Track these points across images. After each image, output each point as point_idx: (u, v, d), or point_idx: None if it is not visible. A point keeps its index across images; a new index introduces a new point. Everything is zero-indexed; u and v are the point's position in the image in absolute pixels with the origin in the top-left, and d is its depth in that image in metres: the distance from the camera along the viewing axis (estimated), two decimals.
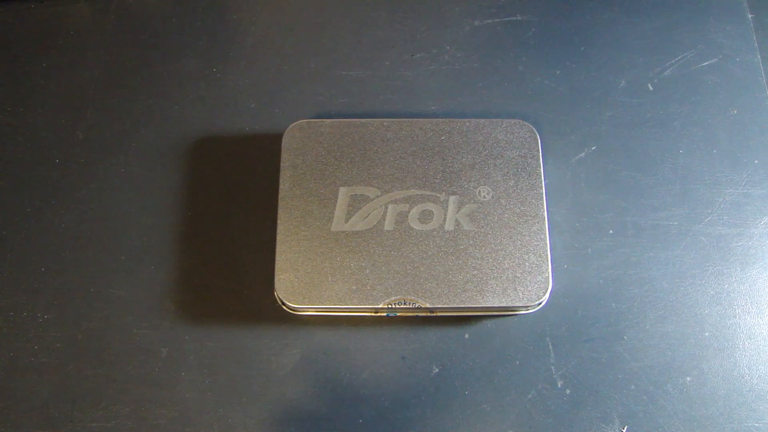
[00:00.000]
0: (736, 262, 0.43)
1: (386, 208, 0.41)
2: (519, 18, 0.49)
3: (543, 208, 0.41)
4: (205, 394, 0.40)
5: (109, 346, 0.41)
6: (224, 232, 0.43)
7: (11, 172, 0.45)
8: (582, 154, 0.45)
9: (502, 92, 0.47)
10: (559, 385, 0.41)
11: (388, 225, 0.40)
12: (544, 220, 0.40)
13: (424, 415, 0.40)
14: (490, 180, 0.41)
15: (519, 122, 0.43)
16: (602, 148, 0.46)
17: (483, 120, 0.43)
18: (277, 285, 0.39)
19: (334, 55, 0.48)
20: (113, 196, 0.44)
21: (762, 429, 0.40)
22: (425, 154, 0.42)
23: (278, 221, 0.40)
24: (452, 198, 0.41)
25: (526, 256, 0.40)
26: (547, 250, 0.40)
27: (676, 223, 0.44)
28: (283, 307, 0.40)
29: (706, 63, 0.48)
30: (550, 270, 0.39)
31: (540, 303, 0.39)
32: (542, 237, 0.40)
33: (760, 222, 0.44)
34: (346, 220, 0.40)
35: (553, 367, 0.41)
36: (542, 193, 0.41)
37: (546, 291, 0.39)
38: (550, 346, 0.41)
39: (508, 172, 0.41)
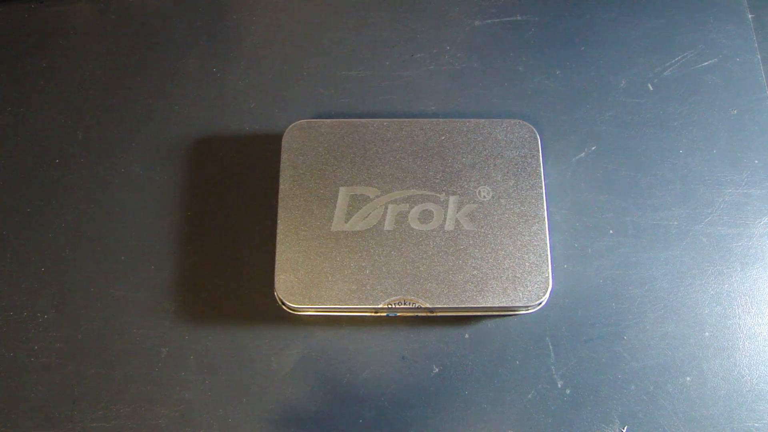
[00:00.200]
0: (736, 262, 0.43)
1: (386, 208, 0.41)
2: (519, 18, 0.49)
3: (543, 208, 0.41)
4: (205, 394, 0.40)
5: (109, 346, 0.41)
6: (224, 232, 0.43)
7: (11, 172, 0.45)
8: (582, 154, 0.45)
9: (502, 92, 0.47)
10: (559, 385, 0.41)
11: (388, 225, 0.40)
12: (544, 220, 0.40)
13: (424, 415, 0.40)
14: (490, 180, 0.41)
15: (519, 122, 0.43)
16: (602, 148, 0.46)
17: (483, 120, 0.43)
18: (277, 285, 0.39)
19: (334, 55, 0.48)
20: (113, 196, 0.44)
21: (762, 429, 0.40)
22: (425, 154, 0.42)
23: (278, 221, 0.40)
24: (452, 198, 0.41)
25: (526, 256, 0.40)
26: (547, 250, 0.40)
27: (676, 223, 0.44)
28: (283, 307, 0.40)
29: (706, 63, 0.48)
30: (550, 270, 0.39)
31: (540, 303, 0.39)
32: (542, 237, 0.40)
33: (760, 222, 0.44)
34: (346, 220, 0.40)
35: (553, 367, 0.41)
36: (542, 193, 0.41)
37: (546, 291, 0.39)
38: (550, 346, 0.41)
39: (508, 172, 0.41)
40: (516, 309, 0.40)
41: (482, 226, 0.40)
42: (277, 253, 0.40)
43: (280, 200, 0.41)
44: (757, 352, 0.41)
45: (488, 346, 0.41)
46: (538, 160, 0.42)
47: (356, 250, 0.40)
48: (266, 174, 0.44)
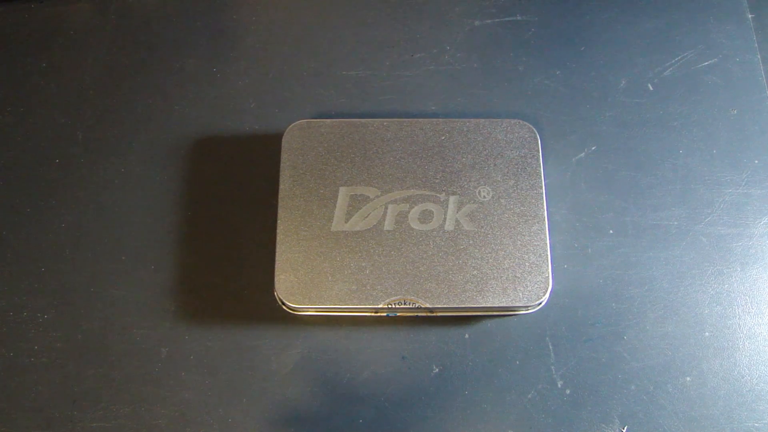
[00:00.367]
0: (736, 262, 0.43)
1: (386, 208, 0.41)
2: (519, 18, 0.49)
3: (543, 208, 0.41)
4: (205, 394, 0.40)
5: (109, 346, 0.41)
6: (224, 232, 0.43)
7: (11, 172, 0.45)
8: (582, 154, 0.45)
9: (502, 92, 0.47)
10: (559, 385, 0.41)
11: (388, 225, 0.40)
12: (544, 220, 0.40)
13: (424, 415, 0.40)
14: (490, 180, 0.41)
15: (519, 122, 0.43)
16: (602, 148, 0.46)
17: (483, 120, 0.43)
18: (277, 285, 0.39)
19: (334, 55, 0.48)
20: (113, 196, 0.44)
21: (762, 429, 0.40)
22: (425, 154, 0.42)
23: (278, 221, 0.40)
24: (452, 198, 0.41)
25: (526, 256, 0.40)
26: (547, 250, 0.40)
27: (676, 223, 0.44)
28: (283, 307, 0.40)
29: (706, 63, 0.48)
30: (550, 270, 0.39)
31: (540, 303, 0.39)
32: (542, 237, 0.40)
33: (760, 222, 0.44)
34: (346, 220, 0.40)
35: (553, 367, 0.41)
36: (542, 193, 0.41)
37: (546, 291, 0.39)
38: (550, 346, 0.41)
39: (508, 172, 0.41)
40: (516, 309, 0.40)
41: (482, 226, 0.40)
42: (277, 253, 0.40)
43: (280, 200, 0.41)
44: (757, 352, 0.41)
45: (488, 346, 0.41)
46: (538, 160, 0.42)
47: (356, 250, 0.40)
48: (266, 174, 0.44)
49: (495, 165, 0.42)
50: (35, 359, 0.41)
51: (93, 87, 0.47)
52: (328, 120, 0.43)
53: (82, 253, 0.43)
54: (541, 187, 0.41)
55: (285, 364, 0.41)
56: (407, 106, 0.47)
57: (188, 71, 0.47)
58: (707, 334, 0.42)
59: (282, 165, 0.41)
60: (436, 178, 0.41)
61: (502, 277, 0.39)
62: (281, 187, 0.41)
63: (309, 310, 0.40)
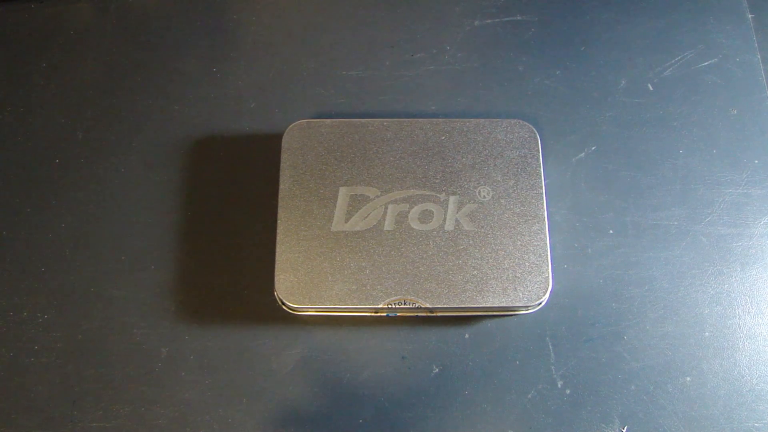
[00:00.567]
0: (736, 262, 0.43)
1: (386, 208, 0.41)
2: (519, 18, 0.49)
3: (543, 208, 0.41)
4: (205, 394, 0.40)
5: (109, 346, 0.41)
6: (224, 232, 0.43)
7: (11, 172, 0.45)
8: (582, 154, 0.45)
9: (502, 92, 0.47)
10: (559, 385, 0.41)
11: (388, 225, 0.40)
12: (544, 220, 0.40)
13: (424, 415, 0.40)
14: (490, 180, 0.41)
15: (519, 122, 0.43)
16: (602, 148, 0.46)
17: (483, 120, 0.43)
18: (277, 285, 0.39)
19: (334, 55, 0.48)
20: (113, 196, 0.44)
21: (762, 429, 0.40)
22: (425, 154, 0.42)
23: (278, 221, 0.40)
24: (452, 198, 0.41)
25: (526, 256, 0.40)
26: (547, 250, 0.40)
27: (676, 223, 0.44)
28: (283, 307, 0.40)
29: (706, 63, 0.48)
30: (550, 270, 0.39)
31: (540, 303, 0.39)
32: (542, 237, 0.40)
33: (760, 222, 0.44)
34: (346, 220, 0.40)
35: (553, 367, 0.41)
36: (542, 193, 0.41)
37: (546, 291, 0.39)
38: (550, 346, 0.41)
39: (508, 172, 0.41)
40: (516, 309, 0.40)
41: (482, 226, 0.40)
42: (277, 253, 0.40)
43: (280, 200, 0.41)
44: (757, 352, 0.41)
45: (488, 346, 0.41)
46: (538, 160, 0.42)
47: (356, 250, 0.40)
48: (266, 174, 0.44)
49: (495, 165, 0.42)
50: (35, 359, 0.41)
51: (93, 87, 0.47)
52: (328, 120, 0.43)
53: (82, 253, 0.43)
54: (541, 187, 0.41)
55: (285, 364, 0.41)
56: (407, 106, 0.47)
57: (188, 71, 0.47)
58: (707, 334, 0.42)
59: (282, 165, 0.41)
60: (436, 178, 0.41)
61: (502, 277, 0.39)
62: (281, 187, 0.41)
63: (309, 310, 0.40)
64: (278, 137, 0.42)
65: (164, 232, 0.43)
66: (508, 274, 0.39)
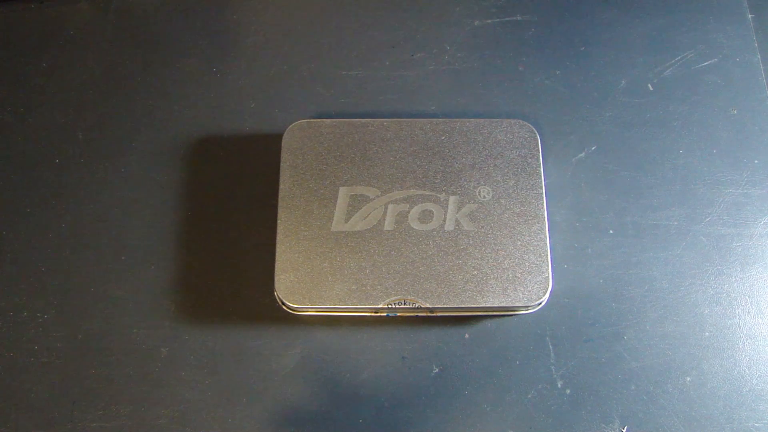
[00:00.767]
0: (736, 262, 0.43)
1: (386, 208, 0.41)
2: (519, 18, 0.49)
3: (543, 208, 0.41)
4: (205, 394, 0.40)
5: (109, 346, 0.41)
6: (224, 232, 0.43)
7: (11, 172, 0.45)
8: (582, 154, 0.45)
9: (502, 92, 0.47)
10: (559, 385, 0.41)
11: (388, 225, 0.40)
12: (544, 220, 0.40)
13: (424, 415, 0.40)
14: (490, 180, 0.41)
15: (519, 122, 0.43)
16: (602, 148, 0.46)
17: (483, 120, 0.43)
18: (277, 285, 0.39)
19: (334, 55, 0.48)
20: (113, 196, 0.44)
21: (762, 429, 0.40)
22: (425, 154, 0.42)
23: (278, 221, 0.40)
24: (452, 198, 0.41)
25: (526, 256, 0.40)
26: (547, 250, 0.40)
27: (676, 223, 0.44)
28: (283, 307, 0.40)
29: (706, 63, 0.48)
30: (550, 270, 0.39)
31: (540, 303, 0.39)
32: (542, 237, 0.40)
33: (760, 222, 0.44)
34: (346, 220, 0.40)
35: (553, 367, 0.41)
36: (542, 193, 0.41)
37: (546, 291, 0.39)
38: (550, 346, 0.41)
39: (508, 172, 0.41)
40: (516, 309, 0.40)
41: (482, 226, 0.40)
42: (277, 253, 0.40)
43: (280, 200, 0.41)
44: (757, 352, 0.41)
45: (488, 346, 0.41)
46: (538, 160, 0.42)
47: (356, 250, 0.40)
48: (266, 174, 0.44)
49: (495, 165, 0.42)
50: (35, 359, 0.41)
51: (93, 87, 0.47)
52: (328, 120, 0.43)
53: (82, 253, 0.43)
54: (541, 187, 0.41)
55: (285, 364, 0.41)
56: (407, 106, 0.47)
57: (188, 71, 0.47)
58: (707, 334, 0.42)
59: (282, 165, 0.41)
60: (436, 178, 0.41)
61: (502, 277, 0.39)
62: (281, 187, 0.41)
63: (309, 310, 0.40)
64: (278, 137, 0.42)
65: (164, 232, 0.43)
66: (508, 274, 0.39)
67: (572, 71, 0.48)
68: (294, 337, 0.41)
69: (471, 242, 0.40)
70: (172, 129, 0.46)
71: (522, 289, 0.39)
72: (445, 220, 0.40)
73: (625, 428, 0.40)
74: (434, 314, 0.40)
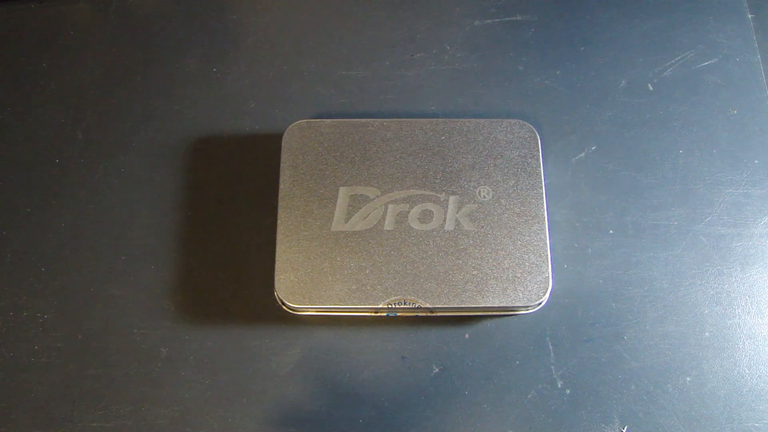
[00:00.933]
0: (736, 262, 0.43)
1: (386, 208, 0.41)
2: (519, 18, 0.49)
3: (543, 208, 0.41)
4: (205, 394, 0.40)
5: (109, 346, 0.41)
6: (224, 232, 0.43)
7: (11, 172, 0.45)
8: (582, 154, 0.45)
9: (502, 92, 0.47)
10: (559, 385, 0.41)
11: (388, 225, 0.40)
12: (544, 220, 0.40)
13: (424, 415, 0.40)
14: (490, 180, 0.41)
15: (519, 122, 0.43)
16: (602, 148, 0.46)
17: (483, 120, 0.43)
18: (277, 285, 0.39)
19: (334, 55, 0.48)
20: (113, 196, 0.44)
21: (762, 429, 0.40)
22: (425, 154, 0.42)
23: (278, 221, 0.40)
24: (452, 198, 0.41)
25: (526, 256, 0.40)
26: (547, 250, 0.40)
27: (676, 223, 0.44)
28: (283, 307, 0.40)
29: (706, 63, 0.48)
30: (550, 270, 0.39)
31: (540, 303, 0.39)
32: (542, 237, 0.40)
33: (760, 222, 0.44)
34: (346, 220, 0.40)
35: (553, 367, 0.41)
36: (542, 193, 0.41)
37: (546, 291, 0.39)
38: (550, 346, 0.41)
39: (508, 172, 0.41)
40: (516, 309, 0.40)
41: (482, 226, 0.40)
42: (277, 253, 0.40)
43: (280, 200, 0.41)
44: (757, 352, 0.41)
45: (488, 346, 0.41)
46: (538, 160, 0.42)
47: (356, 250, 0.40)
48: (266, 174, 0.44)
49: (495, 165, 0.42)
50: (35, 359, 0.41)
51: (93, 87, 0.47)
52: (328, 120, 0.43)
53: (82, 253, 0.43)
54: (541, 187, 0.41)
55: (285, 364, 0.41)
56: (407, 106, 0.47)
57: (188, 71, 0.47)
58: (707, 334, 0.42)
59: (282, 165, 0.41)
60: (436, 178, 0.41)
61: (502, 277, 0.39)
62: (281, 187, 0.41)
63: (309, 310, 0.40)
64: (278, 137, 0.42)
65: (164, 232, 0.43)
66: (508, 274, 0.39)
67: (572, 71, 0.48)
68: (294, 337, 0.41)
69: (471, 242, 0.40)
70: (172, 129, 0.46)
71: (522, 289, 0.39)
72: (445, 220, 0.40)
73: (625, 428, 0.40)
74: (434, 314, 0.40)
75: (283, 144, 0.42)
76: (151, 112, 0.46)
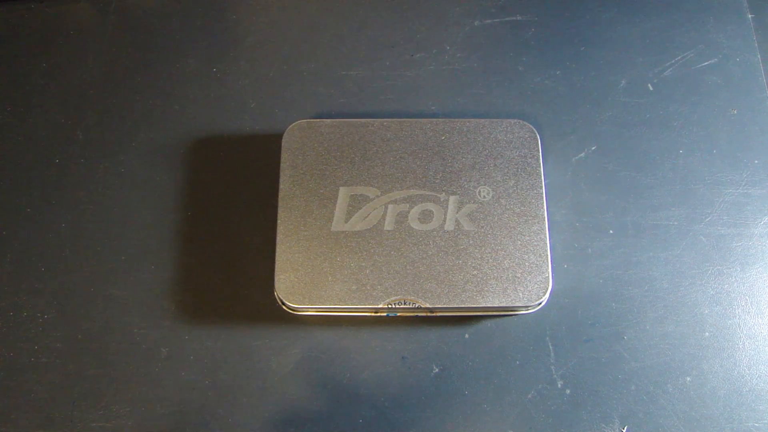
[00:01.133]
0: (736, 262, 0.43)
1: (386, 208, 0.41)
2: (519, 18, 0.49)
3: (543, 208, 0.41)
4: (205, 394, 0.40)
5: (109, 346, 0.41)
6: (224, 232, 0.43)
7: (11, 172, 0.45)
8: (582, 154, 0.45)
9: (502, 92, 0.47)
10: (559, 385, 0.41)
11: (388, 225, 0.40)
12: (544, 220, 0.40)
13: (424, 415, 0.40)
14: (490, 180, 0.41)
15: (519, 122, 0.43)
16: (602, 148, 0.46)
17: (483, 120, 0.43)
18: (277, 285, 0.39)
19: (334, 55, 0.48)
20: (113, 196, 0.44)
21: (762, 429, 0.40)
22: (425, 154, 0.42)
23: (278, 221, 0.40)
24: (452, 198, 0.41)
25: (526, 256, 0.40)
26: (547, 250, 0.40)
27: (676, 223, 0.44)
28: (283, 307, 0.40)
29: (706, 63, 0.48)
30: (550, 270, 0.39)
31: (540, 303, 0.39)
32: (542, 237, 0.40)
33: (760, 222, 0.44)
34: (346, 220, 0.40)
35: (553, 367, 0.41)
36: (542, 193, 0.41)
37: (546, 291, 0.39)
38: (550, 346, 0.41)
39: (508, 172, 0.41)
40: (516, 309, 0.40)
41: (482, 226, 0.40)
42: (277, 253, 0.40)
43: (280, 200, 0.41)
44: (757, 352, 0.41)
45: (488, 346, 0.41)
46: (538, 160, 0.42)
47: (356, 250, 0.40)
48: (266, 174, 0.44)
49: (495, 165, 0.42)
50: (35, 359, 0.41)
51: (93, 87, 0.47)
52: (328, 120, 0.43)
53: (82, 253, 0.43)
54: (541, 187, 0.41)
55: (285, 364, 0.41)
56: (407, 106, 0.47)
57: (188, 71, 0.47)
58: (707, 334, 0.42)
59: (282, 165, 0.41)
60: (436, 178, 0.41)
61: (502, 277, 0.39)
62: (281, 187, 0.41)
63: (309, 310, 0.40)
64: (278, 137, 0.42)
65: (164, 232, 0.43)
66: (508, 274, 0.39)
67: (572, 71, 0.48)
68: (294, 337, 0.41)
69: (471, 242, 0.40)
70: (172, 129, 0.46)
71: (522, 289, 0.39)
72: (445, 220, 0.40)
73: (625, 428, 0.40)
74: (434, 314, 0.40)
75: (283, 144, 0.42)
76: (151, 112, 0.46)
